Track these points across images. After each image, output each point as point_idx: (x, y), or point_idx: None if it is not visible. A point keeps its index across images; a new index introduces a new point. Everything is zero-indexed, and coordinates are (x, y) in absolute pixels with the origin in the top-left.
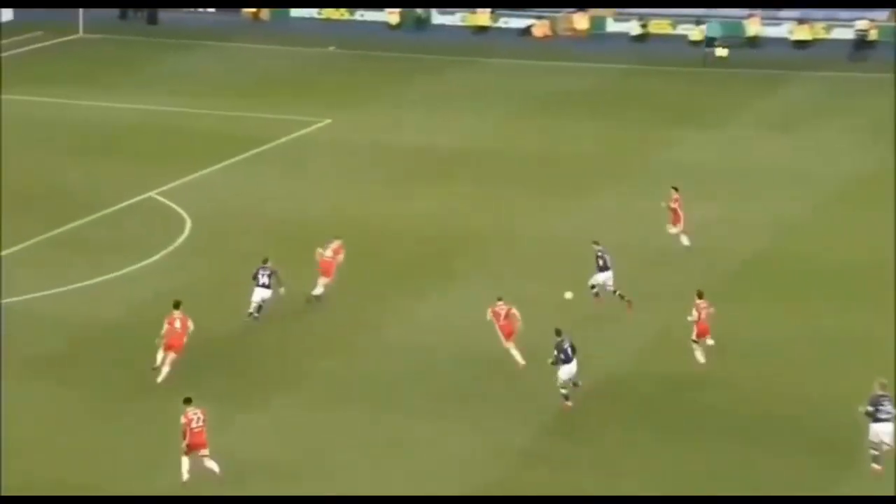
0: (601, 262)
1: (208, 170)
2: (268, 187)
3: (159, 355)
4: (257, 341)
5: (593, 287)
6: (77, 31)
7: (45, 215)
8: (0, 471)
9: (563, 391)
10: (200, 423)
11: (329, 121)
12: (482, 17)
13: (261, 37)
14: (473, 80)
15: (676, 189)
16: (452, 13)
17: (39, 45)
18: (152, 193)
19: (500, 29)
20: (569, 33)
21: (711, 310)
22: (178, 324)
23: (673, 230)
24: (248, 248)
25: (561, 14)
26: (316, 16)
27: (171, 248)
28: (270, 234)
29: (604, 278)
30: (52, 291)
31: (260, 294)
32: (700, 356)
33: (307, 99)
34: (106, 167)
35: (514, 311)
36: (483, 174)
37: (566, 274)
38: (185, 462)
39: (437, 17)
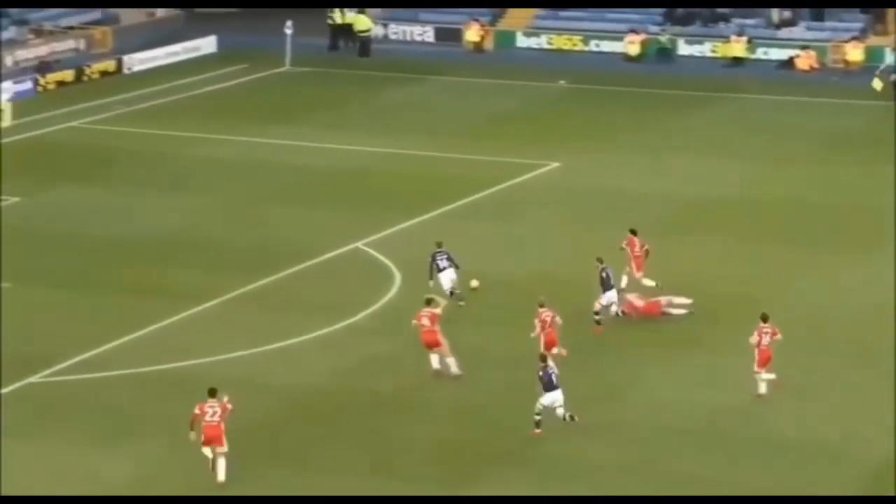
0: (605, 278)
1: (423, 217)
2: (487, 237)
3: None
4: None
5: (597, 314)
6: (283, 65)
7: (240, 268)
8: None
9: (538, 416)
10: (216, 418)
11: (558, 164)
12: (736, 47)
13: (483, 69)
14: (724, 118)
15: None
16: (701, 42)
17: (243, 79)
18: (359, 244)
19: (756, 61)
20: (839, 66)
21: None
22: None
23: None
24: (464, 309)
25: (831, 44)
26: (546, 46)
27: (376, 307)
28: (493, 291)
29: (608, 298)
30: (244, 353)
31: (448, 277)
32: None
33: (534, 139)
34: (310, 214)
35: (558, 318)
36: (741, 226)
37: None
38: (207, 451)
39: (684, 48)
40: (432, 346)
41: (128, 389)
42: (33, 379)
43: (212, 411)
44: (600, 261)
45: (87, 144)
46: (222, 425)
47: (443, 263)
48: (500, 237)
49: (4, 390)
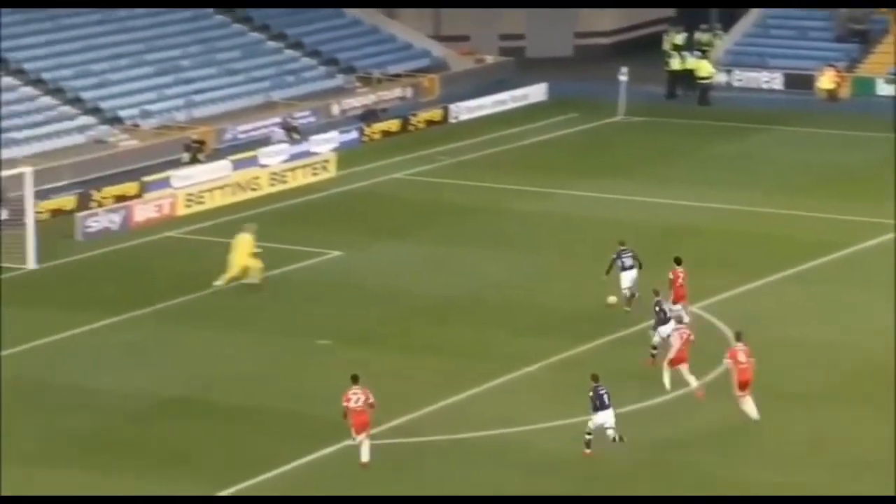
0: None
1: (759, 281)
2: (839, 308)
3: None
4: None
5: (654, 348)
6: (616, 114)
7: (564, 331)
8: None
9: (588, 436)
10: (360, 404)
11: None
12: None
13: (835, 119)
14: None
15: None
16: None
17: (573, 129)
18: (694, 307)
19: None
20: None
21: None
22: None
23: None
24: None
25: None
26: None
27: (709, 377)
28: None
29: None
30: (564, 422)
31: (630, 276)
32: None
33: (885, 197)
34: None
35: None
36: None
37: None
38: (364, 450)
39: None
40: (745, 386)
41: (441, 457)
42: (350, 442)
43: (356, 398)
44: (656, 293)
45: (410, 197)
46: (368, 411)
47: (627, 262)
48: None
49: (322, 452)
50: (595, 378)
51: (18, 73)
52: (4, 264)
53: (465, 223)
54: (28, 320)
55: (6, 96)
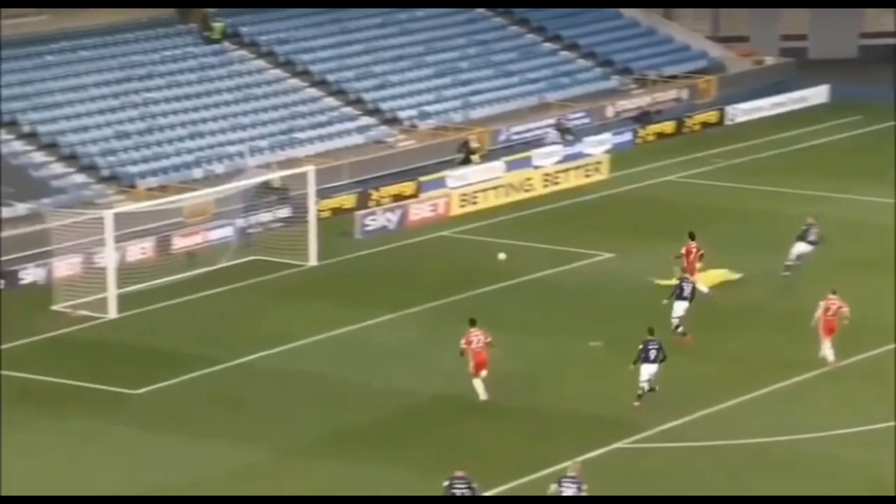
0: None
1: None
2: None
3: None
4: None
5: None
6: None
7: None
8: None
9: (640, 391)
10: (481, 344)
11: None
12: None
13: None
14: None
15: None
16: None
17: (854, 132)
18: None
19: None
20: None
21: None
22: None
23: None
24: None
25: None
26: None
27: None
28: None
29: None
30: (827, 434)
31: (799, 248)
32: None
33: None
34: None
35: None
36: None
37: None
38: (478, 385)
39: None
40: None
41: (705, 462)
42: (620, 444)
43: (476, 339)
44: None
45: (683, 200)
46: (486, 351)
47: (811, 237)
48: None
49: (593, 453)
50: (651, 332)
51: (304, 74)
52: (287, 261)
53: (740, 227)
54: (309, 315)
55: (292, 97)
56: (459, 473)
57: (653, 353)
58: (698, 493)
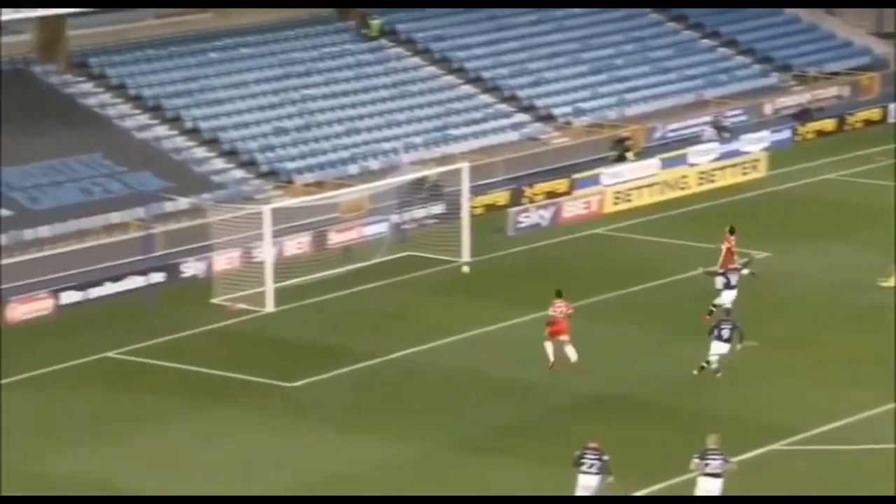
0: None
1: None
2: None
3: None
4: None
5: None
6: None
7: None
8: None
9: (703, 364)
10: (562, 315)
11: None
12: None
13: None
14: None
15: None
16: None
17: None
18: None
19: None
20: None
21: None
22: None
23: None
24: None
25: None
26: None
27: None
28: None
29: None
30: None
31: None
32: None
33: None
34: None
35: None
36: None
37: None
38: (548, 346)
39: None
40: None
41: (866, 466)
42: (776, 446)
43: (559, 310)
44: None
45: (844, 198)
46: (566, 321)
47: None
48: None
49: (747, 455)
50: (727, 312)
51: (459, 71)
52: (440, 257)
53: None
54: (463, 311)
55: (447, 94)
56: (592, 445)
57: (725, 332)
58: (856, 495)
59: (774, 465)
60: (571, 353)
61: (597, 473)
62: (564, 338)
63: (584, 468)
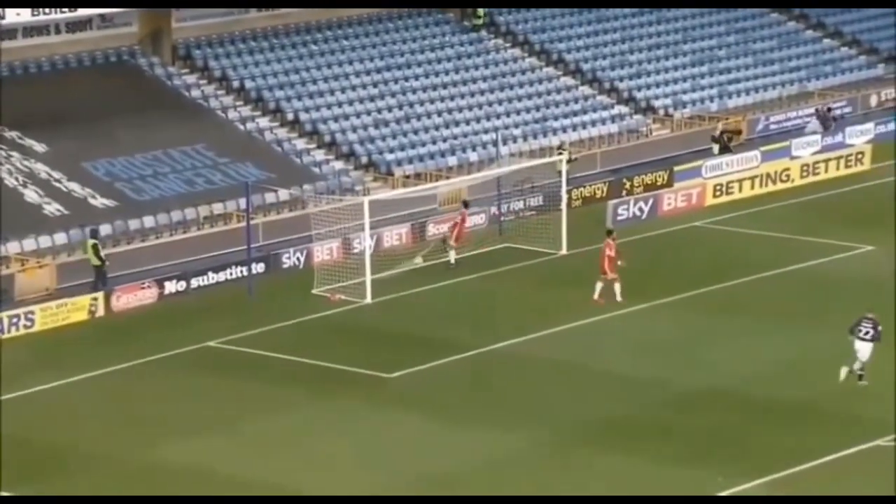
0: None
1: None
2: None
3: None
4: None
5: None
6: None
7: None
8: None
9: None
10: (612, 252)
11: None
12: None
13: None
14: None
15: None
16: None
17: None
18: None
19: None
20: None
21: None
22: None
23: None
24: None
25: None
26: None
27: None
28: None
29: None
30: None
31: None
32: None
33: None
34: None
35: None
36: None
37: None
38: (598, 285)
39: None
40: None
41: None
42: (880, 442)
43: (608, 248)
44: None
45: None
46: (615, 259)
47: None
48: None
49: (850, 451)
50: (870, 310)
51: (559, 63)
52: (539, 248)
53: None
54: (562, 304)
55: (546, 86)
56: (870, 315)
57: (867, 332)
58: None
59: (876, 462)
60: (618, 291)
61: (871, 340)
62: (613, 276)
63: (860, 335)
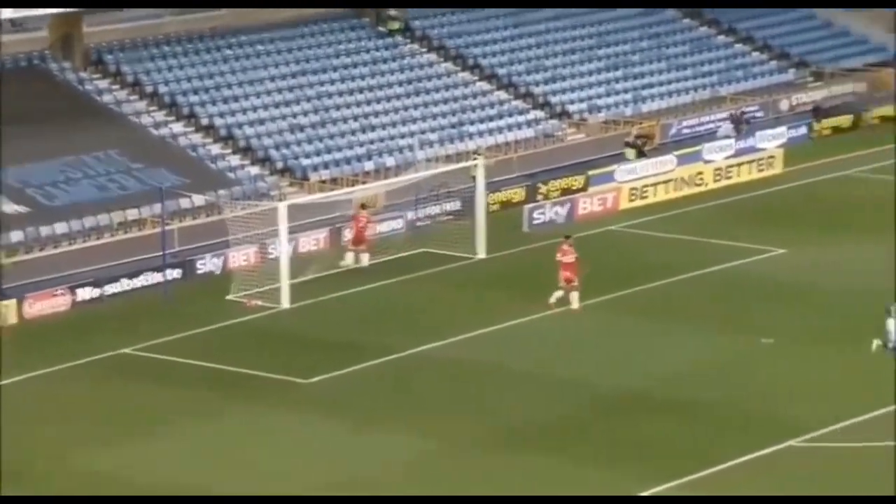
0: None
1: None
2: None
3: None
4: None
5: None
6: None
7: None
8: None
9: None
10: (571, 259)
11: None
12: None
13: None
14: None
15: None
16: None
17: None
18: None
19: None
20: None
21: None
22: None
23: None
24: None
25: None
26: None
27: None
28: None
29: None
30: None
31: None
32: None
33: None
34: None
35: None
36: None
37: None
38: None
39: None
40: None
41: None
42: (793, 442)
43: (564, 254)
44: None
45: (860, 195)
46: (575, 265)
47: None
48: None
49: (762, 452)
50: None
51: (475, 68)
52: (455, 253)
53: None
54: (479, 307)
55: (462, 91)
56: None
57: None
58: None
59: (790, 462)
60: (575, 299)
61: None
62: (574, 284)
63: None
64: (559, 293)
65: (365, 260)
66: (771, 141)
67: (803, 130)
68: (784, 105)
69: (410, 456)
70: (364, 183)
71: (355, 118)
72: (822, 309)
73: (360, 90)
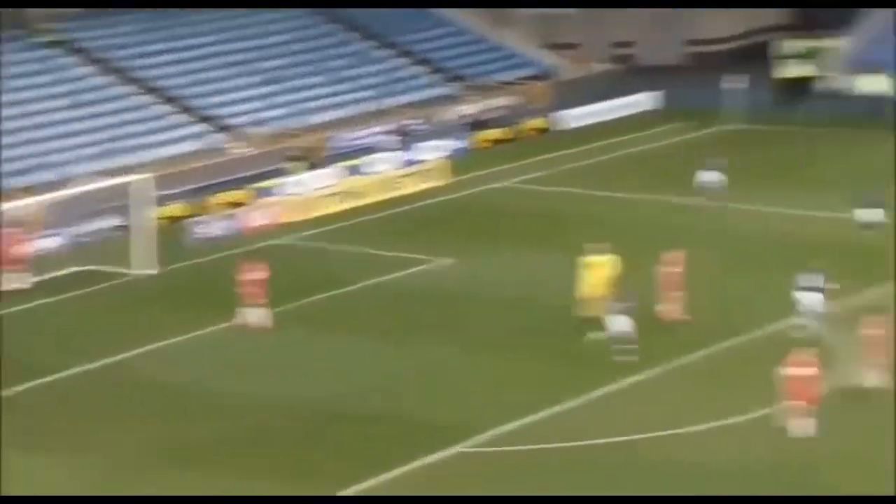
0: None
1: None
2: None
3: None
4: None
5: None
6: (726, 123)
7: (684, 338)
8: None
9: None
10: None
11: None
12: None
13: None
14: None
15: None
16: None
17: (682, 137)
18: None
19: None
20: None
21: None
22: None
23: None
24: None
25: None
26: None
27: None
28: None
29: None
30: (682, 431)
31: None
32: None
33: None
34: (760, 282)
35: None
36: None
37: None
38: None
39: None
40: None
41: (554, 463)
42: (461, 448)
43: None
44: None
45: (521, 205)
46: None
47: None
48: None
49: (430, 459)
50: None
51: (134, 81)
52: (119, 269)
53: (580, 229)
54: (144, 324)
55: (121, 104)
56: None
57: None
58: (544, 494)
59: (462, 467)
60: (267, 316)
61: None
62: (262, 301)
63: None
64: (250, 310)
65: (25, 280)
66: (434, 153)
67: (464, 143)
68: (444, 117)
69: (71, 479)
70: (21, 199)
71: (11, 133)
72: (490, 317)
73: (16, 103)
